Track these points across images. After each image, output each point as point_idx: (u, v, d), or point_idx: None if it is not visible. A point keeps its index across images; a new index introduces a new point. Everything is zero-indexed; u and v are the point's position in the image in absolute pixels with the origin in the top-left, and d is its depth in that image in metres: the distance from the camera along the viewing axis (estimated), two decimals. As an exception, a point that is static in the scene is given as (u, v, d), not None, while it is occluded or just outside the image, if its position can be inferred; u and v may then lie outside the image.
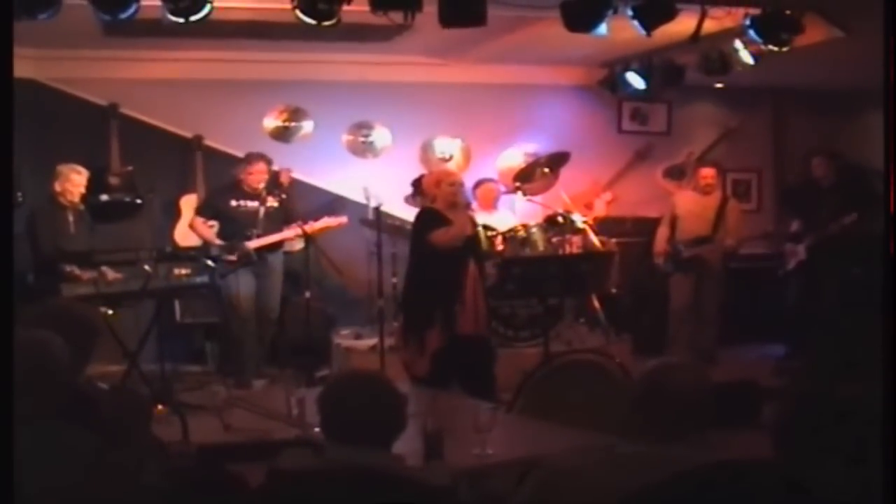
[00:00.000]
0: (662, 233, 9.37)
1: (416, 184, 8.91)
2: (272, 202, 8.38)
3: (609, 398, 5.76)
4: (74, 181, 7.98)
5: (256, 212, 8.32)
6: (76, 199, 8.02)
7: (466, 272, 6.83)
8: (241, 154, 8.69)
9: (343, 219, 8.66)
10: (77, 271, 7.44)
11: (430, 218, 6.93)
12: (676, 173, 10.69)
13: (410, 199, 9.29)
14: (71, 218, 7.99)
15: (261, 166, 8.38)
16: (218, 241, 8.16)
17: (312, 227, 8.37)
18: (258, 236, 8.28)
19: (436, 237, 6.76)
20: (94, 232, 8.23)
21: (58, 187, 7.94)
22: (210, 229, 8.30)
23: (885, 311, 2.80)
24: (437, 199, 6.93)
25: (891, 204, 2.85)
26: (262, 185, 8.37)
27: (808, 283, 8.80)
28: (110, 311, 7.41)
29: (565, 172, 9.88)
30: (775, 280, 9.24)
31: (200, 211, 8.50)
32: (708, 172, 9.30)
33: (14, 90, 2.91)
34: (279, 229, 8.37)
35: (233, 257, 8.10)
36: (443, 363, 6.69)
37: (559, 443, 4.48)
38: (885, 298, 2.82)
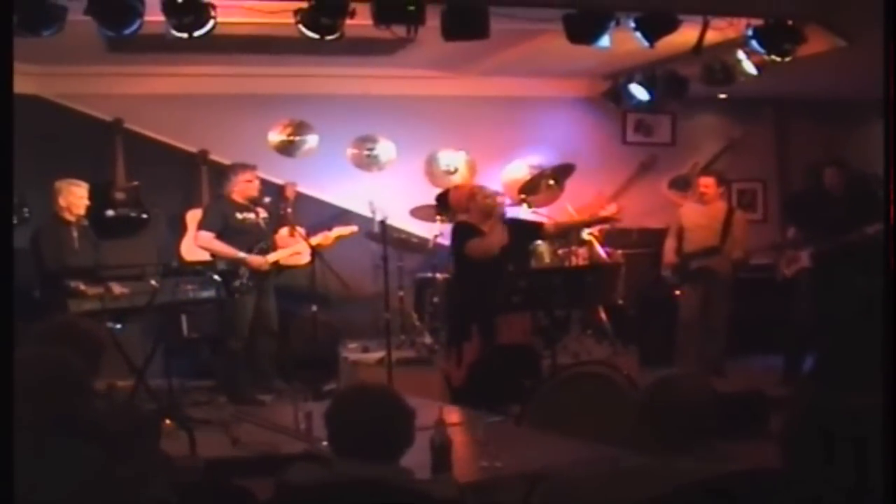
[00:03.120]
0: (670, 244, 9.34)
1: (442, 198, 8.93)
2: (263, 213, 8.39)
3: (616, 410, 5.74)
4: (76, 194, 7.98)
5: (258, 224, 8.32)
6: (81, 211, 8.01)
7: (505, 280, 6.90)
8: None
9: (353, 227, 8.67)
10: (83, 287, 7.44)
11: (464, 230, 7.03)
12: (681, 184, 10.69)
13: (416, 213, 9.30)
14: (75, 233, 7.99)
15: (253, 174, 8.36)
16: (242, 255, 8.11)
17: (327, 236, 8.39)
18: (271, 248, 8.31)
19: (470, 248, 6.88)
20: (99, 247, 8.23)
21: (62, 202, 7.93)
22: (225, 243, 8.21)
23: (886, 321, 2.80)
24: (472, 211, 7.01)
25: (891, 215, 2.85)
26: (255, 194, 8.36)
27: (817, 291, 8.75)
28: (118, 326, 7.43)
29: (570, 184, 9.88)
30: (782, 290, 9.21)
31: (207, 225, 8.29)
32: (706, 181, 9.29)
33: (13, 99, 2.91)
34: (273, 241, 8.39)
35: (259, 271, 8.12)
36: (480, 374, 6.76)
37: (566, 455, 4.48)
38: (885, 309, 2.82)
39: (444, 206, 8.89)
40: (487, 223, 6.94)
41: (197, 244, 8.40)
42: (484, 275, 6.89)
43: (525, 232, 7.35)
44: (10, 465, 2.68)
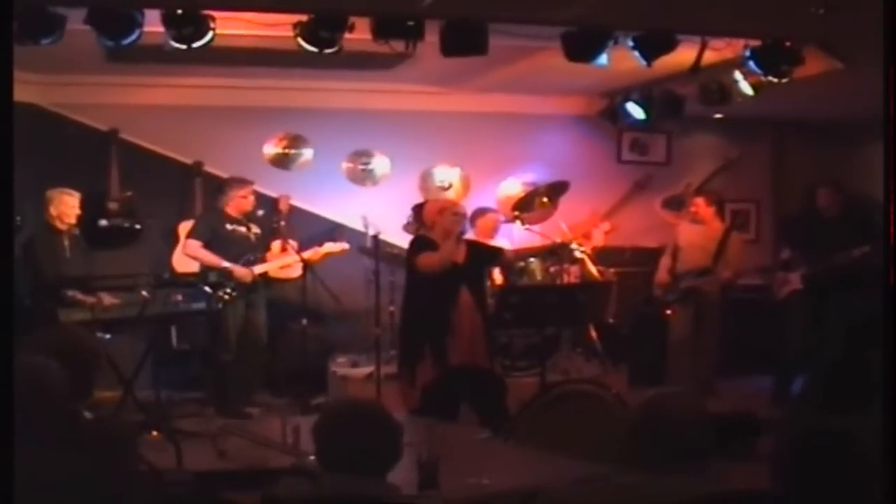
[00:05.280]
0: (665, 263, 9.37)
1: (417, 210, 8.89)
2: (255, 229, 8.38)
3: (606, 428, 5.74)
4: (68, 203, 7.97)
5: (248, 237, 8.31)
6: (73, 221, 8.01)
7: (457, 302, 6.80)
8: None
9: (344, 244, 8.65)
10: (80, 296, 7.43)
11: (419, 244, 6.94)
12: (675, 204, 10.69)
13: (409, 227, 9.28)
14: (66, 242, 7.98)
15: (249, 190, 8.37)
16: (227, 265, 8.08)
17: (316, 252, 8.37)
18: (260, 261, 8.29)
19: (421, 261, 6.77)
20: (90, 256, 8.22)
21: (53, 211, 7.93)
22: (212, 253, 8.21)
23: (886, 342, 2.79)
24: (436, 227, 6.91)
25: (891, 234, 2.85)
26: (250, 210, 8.36)
27: (808, 313, 8.75)
28: (107, 336, 7.40)
29: (564, 202, 9.88)
30: (774, 311, 9.22)
31: (196, 234, 8.31)
32: (697, 201, 9.32)
33: (14, 108, 2.90)
34: (263, 257, 8.37)
35: (242, 282, 8.09)
36: (434, 396, 6.65)
37: (556, 473, 4.47)
38: (885, 329, 2.81)
39: (417, 220, 8.81)
40: (446, 241, 6.85)
41: (183, 251, 8.43)
42: (436, 293, 6.81)
43: (483, 256, 7.27)
44: (10, 467, 2.67)
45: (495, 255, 7.54)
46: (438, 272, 6.74)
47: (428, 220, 7.06)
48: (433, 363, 6.69)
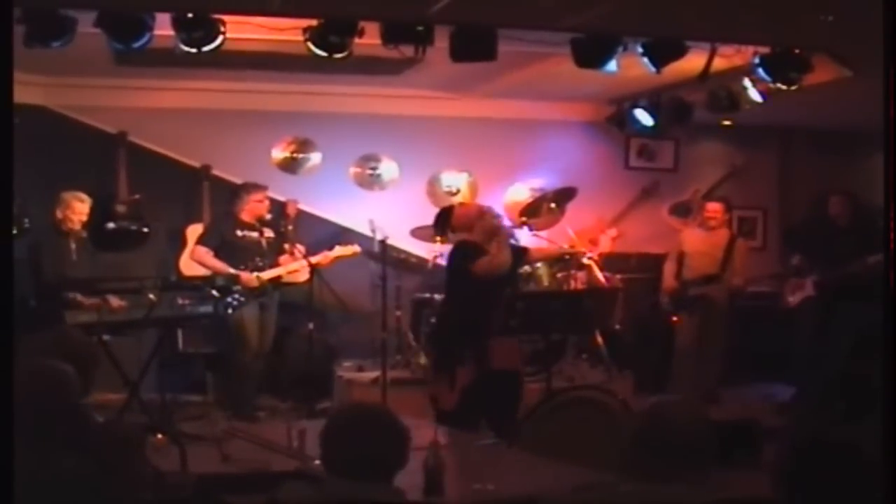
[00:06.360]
0: (669, 269, 9.33)
1: (444, 216, 8.78)
2: (269, 233, 8.38)
3: (610, 435, 5.72)
4: (76, 208, 7.96)
5: (259, 242, 8.31)
6: (77, 226, 7.99)
7: (502, 305, 6.79)
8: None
9: (355, 247, 8.63)
10: (80, 298, 7.42)
11: (469, 250, 6.87)
12: (682, 210, 10.67)
13: (418, 232, 9.27)
14: (73, 245, 7.98)
15: (263, 195, 8.38)
16: (232, 271, 8.09)
17: (326, 256, 8.36)
18: (269, 267, 8.28)
19: (478, 267, 6.69)
20: (96, 259, 8.22)
21: (59, 214, 7.93)
22: (217, 259, 8.22)
23: (886, 348, 2.79)
24: (475, 230, 6.87)
25: (891, 240, 2.85)
26: (264, 214, 8.36)
27: (818, 321, 8.72)
28: (107, 337, 7.39)
29: (571, 208, 9.87)
30: (779, 319, 9.20)
31: (204, 240, 8.36)
32: (714, 208, 9.27)
33: (13, 103, 2.90)
34: (275, 260, 8.37)
35: (248, 288, 8.08)
36: (472, 398, 6.64)
37: (560, 479, 4.46)
38: (885, 336, 2.81)
39: (443, 223, 8.71)
40: (491, 243, 6.82)
41: (191, 257, 8.44)
42: (483, 297, 6.79)
43: (515, 257, 7.26)
44: (10, 467, 2.68)
45: (523, 256, 7.54)
46: (494, 276, 6.74)
47: (465, 224, 7.01)
48: (475, 366, 6.67)
